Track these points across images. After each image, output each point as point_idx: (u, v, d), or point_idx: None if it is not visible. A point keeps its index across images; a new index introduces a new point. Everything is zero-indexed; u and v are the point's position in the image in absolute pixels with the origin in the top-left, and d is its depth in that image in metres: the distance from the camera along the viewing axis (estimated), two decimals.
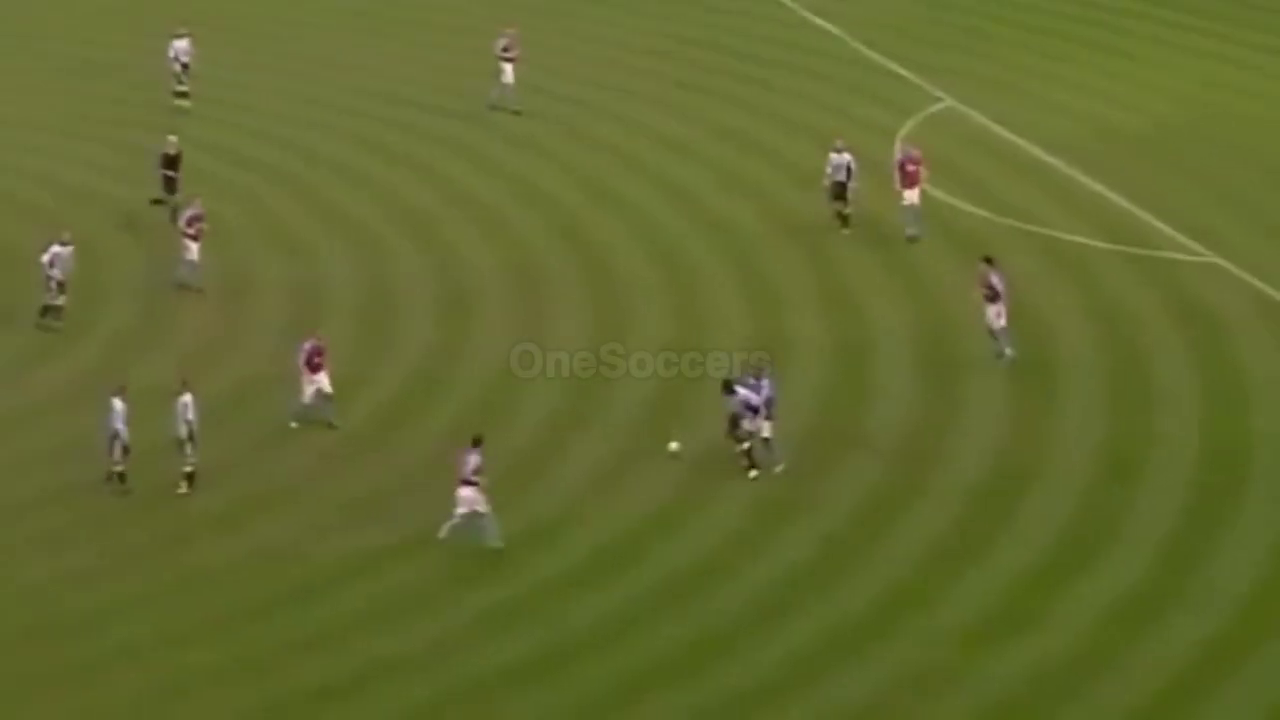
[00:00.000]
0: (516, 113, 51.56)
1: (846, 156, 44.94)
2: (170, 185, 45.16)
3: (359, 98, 53.50)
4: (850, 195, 44.93)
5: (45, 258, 40.88)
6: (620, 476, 35.68)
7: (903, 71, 54.93)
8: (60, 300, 40.82)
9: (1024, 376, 39.02)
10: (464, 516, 33.16)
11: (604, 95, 53.68)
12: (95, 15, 60.67)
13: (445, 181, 48.81)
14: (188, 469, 35.17)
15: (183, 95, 51.57)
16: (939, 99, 52.80)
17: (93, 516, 34.78)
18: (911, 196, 44.36)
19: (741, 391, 35.21)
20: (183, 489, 35.14)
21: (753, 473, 35.24)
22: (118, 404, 34.96)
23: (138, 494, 35.27)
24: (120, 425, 34.78)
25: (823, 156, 46.22)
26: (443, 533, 33.34)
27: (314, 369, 37.23)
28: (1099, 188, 47.80)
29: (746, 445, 35.22)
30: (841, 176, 44.90)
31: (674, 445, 35.47)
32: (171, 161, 45.20)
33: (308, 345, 37.53)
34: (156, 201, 45.39)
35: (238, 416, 37.76)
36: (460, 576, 32.85)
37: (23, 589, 32.67)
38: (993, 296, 39.15)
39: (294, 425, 37.17)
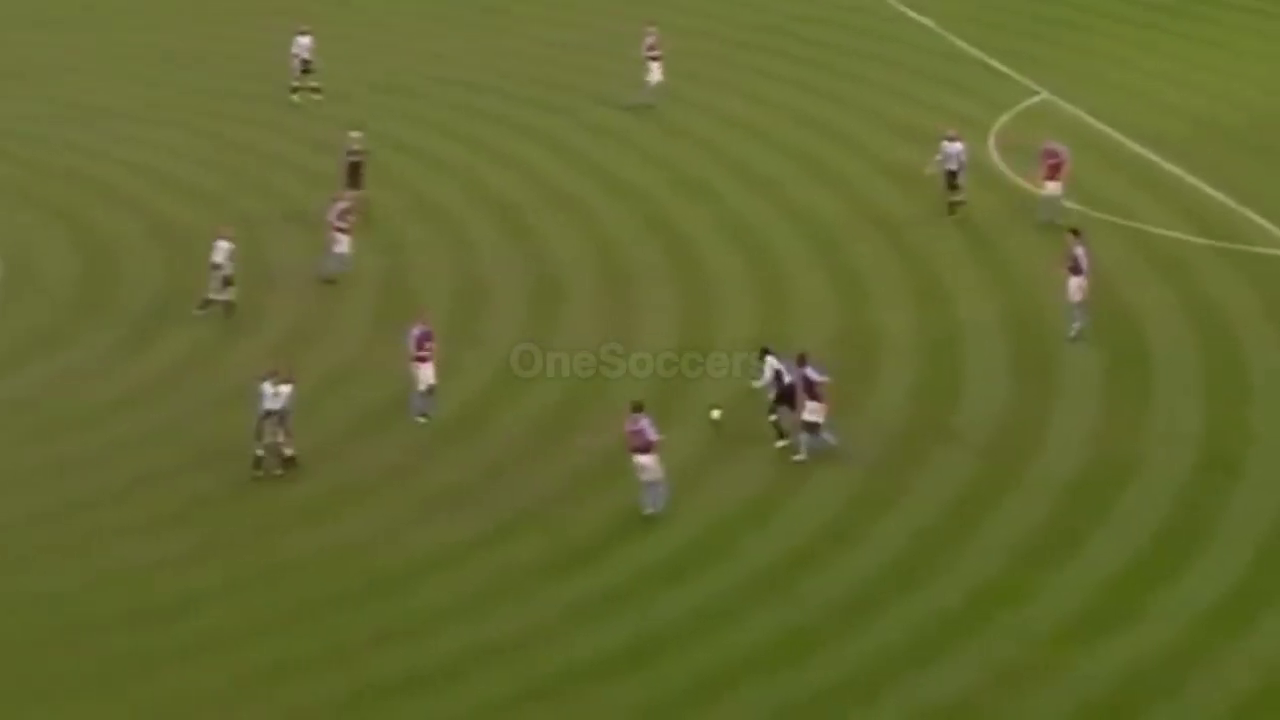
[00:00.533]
0: (650, 107, 51.20)
1: (958, 145, 44.95)
2: (355, 178, 45.06)
3: (441, 87, 53.50)
4: (961, 184, 44.82)
5: (216, 257, 40.67)
6: (711, 469, 35.43)
7: (997, 65, 54.47)
8: (228, 295, 40.74)
9: (1118, 370, 38.60)
10: (649, 485, 33.27)
11: (691, 86, 53.45)
12: (182, 5, 60.99)
13: (530, 171, 48.70)
14: (288, 453, 35.19)
15: (296, 90, 51.93)
16: (1035, 92, 52.36)
17: (183, 504, 34.87)
18: (1053, 188, 44.42)
19: (771, 359, 35.47)
20: (279, 472, 35.18)
21: (779, 442, 35.35)
22: (267, 388, 35.04)
23: (227, 482, 35.33)
24: (271, 406, 34.82)
25: (913, 149, 45.99)
26: (646, 510, 33.46)
27: (422, 357, 36.90)
28: (1195, 181, 47.21)
29: (774, 417, 35.51)
30: (953, 165, 44.90)
31: (715, 414, 35.34)
32: (357, 154, 45.18)
33: (416, 331, 37.23)
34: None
35: (327, 406, 37.77)
36: (547, 569, 32.73)
37: (113, 574, 32.81)
38: (1076, 269, 39.15)
39: (421, 420, 36.90)
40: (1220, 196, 46.34)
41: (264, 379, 35.32)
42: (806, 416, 35.06)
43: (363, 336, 40.71)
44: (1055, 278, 40.16)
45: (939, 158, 45.14)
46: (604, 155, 49.68)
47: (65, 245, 45.31)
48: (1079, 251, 39.56)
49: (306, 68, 52.20)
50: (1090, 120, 50.78)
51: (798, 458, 35.29)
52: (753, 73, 54.76)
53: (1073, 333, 39.42)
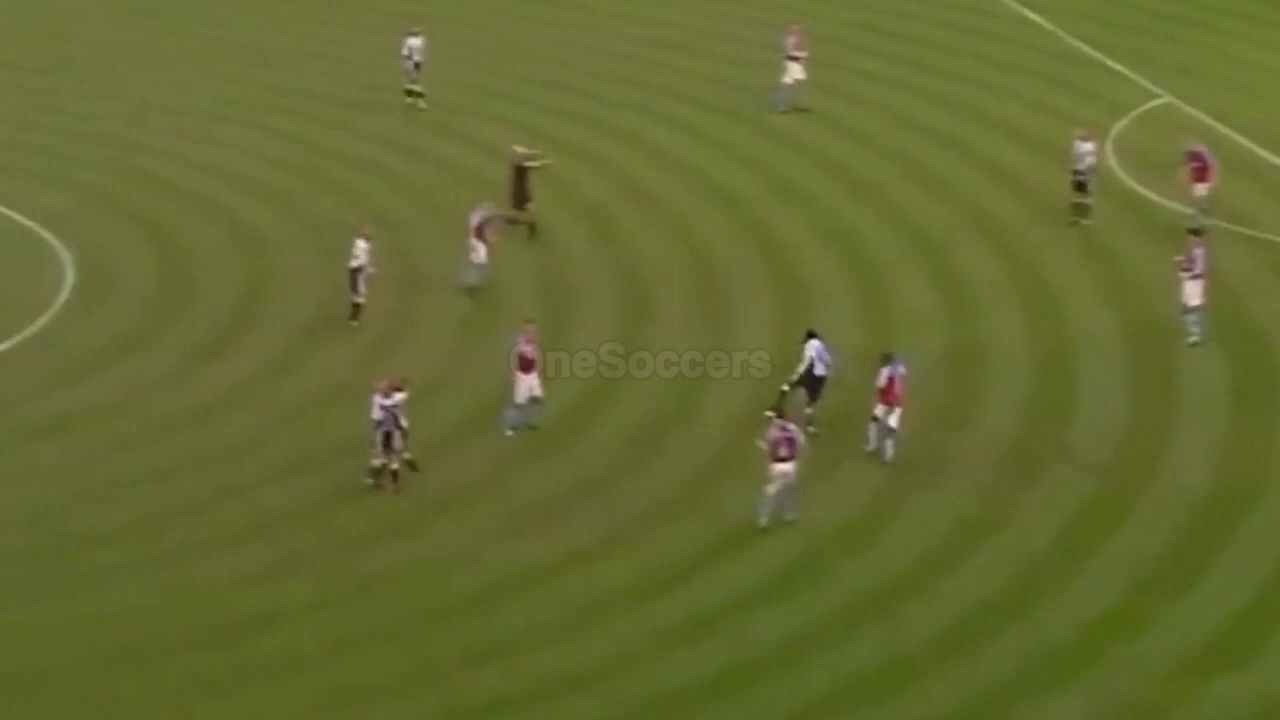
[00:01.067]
0: (788, 111, 50.13)
1: (1089, 145, 44.10)
2: (522, 189, 44.34)
3: (528, 87, 52.72)
4: (1090, 189, 43.84)
5: (357, 259, 40.08)
6: (810, 487, 34.32)
7: (1116, 65, 53.17)
8: (360, 296, 40.21)
9: (1244, 386, 37.36)
10: (779, 491, 32.79)
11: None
12: (259, 3, 60.57)
13: (620, 174, 47.79)
14: (406, 456, 34.57)
15: (420, 95, 51.33)
16: (1156, 95, 51.05)
17: (264, 517, 34.21)
18: (1201, 190, 43.39)
19: (815, 342, 35.48)
20: (396, 468, 34.53)
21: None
22: (377, 399, 34.48)
23: (310, 495, 34.61)
24: (378, 416, 34.27)
25: (1024, 153, 44.84)
26: (760, 521, 32.76)
27: (526, 367, 36.02)
28: None
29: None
30: (1080, 167, 43.99)
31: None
32: (526, 164, 44.47)
33: (522, 340, 36.31)
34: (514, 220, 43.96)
35: (413, 416, 36.83)
36: (638, 589, 31.87)
37: (194, 589, 32.18)
38: (1193, 272, 38.11)
39: (509, 434, 36.09)
40: None
41: (375, 391, 34.64)
42: (890, 421, 34.49)
43: (449, 345, 39.92)
44: (1173, 283, 38.84)
45: (1074, 159, 44.01)
46: (697, 157, 48.64)
47: (141, 249, 44.66)
48: (1198, 254, 38.44)
49: (419, 69, 51.66)
50: (1215, 124, 49.28)
51: (869, 448, 34.75)
52: (852, 73, 53.51)
53: (1193, 338, 38.01)
